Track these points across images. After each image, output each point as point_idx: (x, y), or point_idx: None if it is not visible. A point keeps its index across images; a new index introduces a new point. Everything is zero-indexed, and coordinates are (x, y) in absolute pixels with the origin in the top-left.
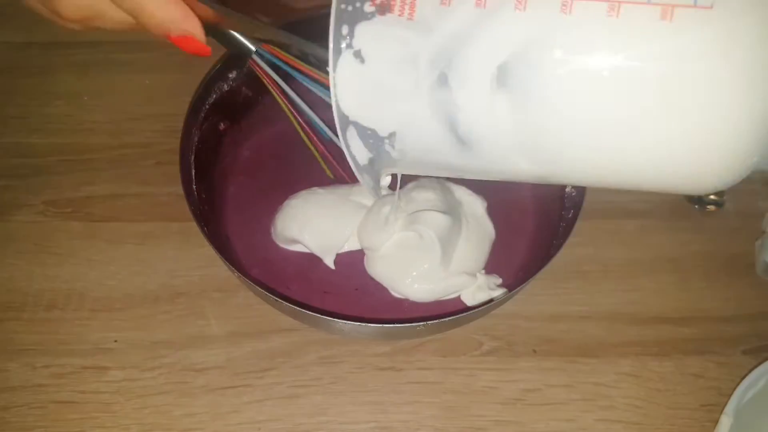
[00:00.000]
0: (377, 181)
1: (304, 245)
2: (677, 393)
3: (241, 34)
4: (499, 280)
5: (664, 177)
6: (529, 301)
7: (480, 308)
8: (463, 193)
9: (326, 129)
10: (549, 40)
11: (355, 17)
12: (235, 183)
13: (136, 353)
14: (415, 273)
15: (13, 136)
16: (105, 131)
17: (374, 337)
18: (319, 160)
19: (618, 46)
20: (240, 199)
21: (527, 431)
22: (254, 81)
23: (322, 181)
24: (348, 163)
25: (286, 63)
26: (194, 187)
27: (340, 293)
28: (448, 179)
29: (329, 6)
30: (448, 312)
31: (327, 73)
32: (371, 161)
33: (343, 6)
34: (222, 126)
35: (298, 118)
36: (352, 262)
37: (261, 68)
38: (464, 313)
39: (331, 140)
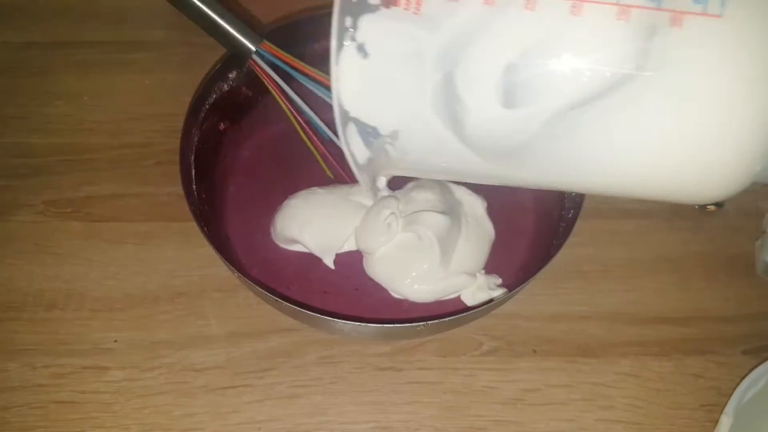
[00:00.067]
0: (375, 181)
1: (304, 245)
2: (677, 393)
3: (241, 33)
4: (499, 280)
5: (667, 188)
6: (529, 301)
7: (480, 308)
8: (463, 193)
9: (326, 129)
10: (557, 42)
11: (359, 9)
12: (235, 183)
13: (136, 353)
14: (414, 273)
15: (13, 136)
16: (105, 131)
17: (374, 337)
18: (319, 160)
19: (628, 51)
20: (240, 199)
21: (527, 431)
22: (254, 81)
23: (322, 181)
24: (348, 162)
25: (286, 63)
26: (194, 187)
27: (339, 293)
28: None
29: (329, 6)
30: (448, 312)
31: (328, 72)
32: (371, 161)
33: None
34: (222, 126)
35: (298, 118)
36: (352, 262)
37: (261, 68)
38: (464, 313)
39: (331, 140)
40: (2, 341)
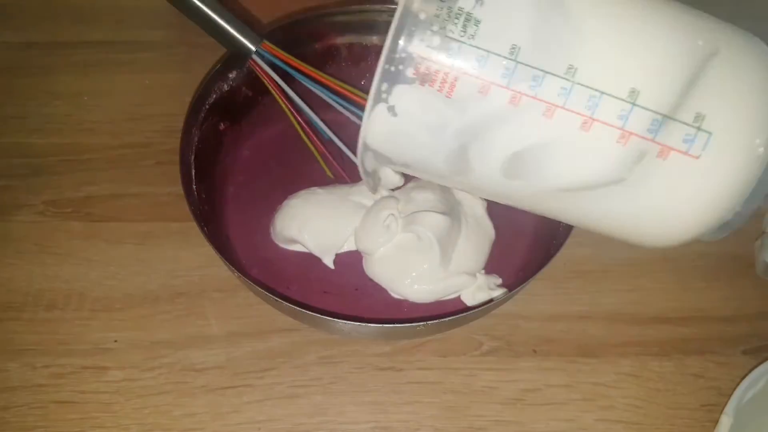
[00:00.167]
0: (378, 183)
1: (304, 245)
2: (677, 393)
3: (241, 33)
4: (499, 280)
5: (627, 240)
6: (529, 301)
7: (480, 308)
8: (463, 194)
9: (326, 129)
10: (562, 146)
11: (396, 78)
12: (235, 183)
13: (136, 353)
14: (414, 274)
15: (13, 136)
16: (105, 131)
17: (374, 337)
18: (319, 160)
19: (617, 168)
20: (240, 199)
21: (527, 431)
22: (254, 81)
23: (322, 181)
24: (347, 162)
25: (286, 63)
26: (194, 187)
27: (339, 293)
28: None
29: (329, 5)
30: (448, 312)
31: (328, 72)
32: (376, 169)
33: (387, 66)
34: (222, 126)
35: (298, 118)
36: (352, 262)
37: (261, 68)
38: (464, 313)
39: (330, 140)
40: (2, 341)
